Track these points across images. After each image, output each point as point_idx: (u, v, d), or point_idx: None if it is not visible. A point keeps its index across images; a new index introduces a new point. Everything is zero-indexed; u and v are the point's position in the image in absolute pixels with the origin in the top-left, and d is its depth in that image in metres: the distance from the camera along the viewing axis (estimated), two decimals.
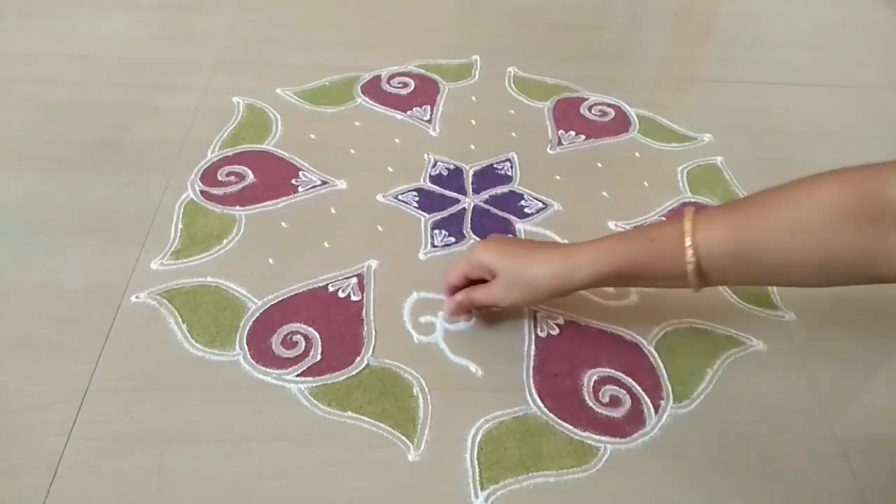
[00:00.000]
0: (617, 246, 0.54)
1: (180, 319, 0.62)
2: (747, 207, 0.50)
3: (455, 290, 0.62)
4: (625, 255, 0.53)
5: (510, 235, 0.72)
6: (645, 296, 0.67)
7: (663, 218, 0.76)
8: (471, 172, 0.80)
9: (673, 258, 0.51)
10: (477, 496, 0.52)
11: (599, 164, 0.82)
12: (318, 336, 0.61)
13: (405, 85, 0.93)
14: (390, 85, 0.93)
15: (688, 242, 0.50)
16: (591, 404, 0.58)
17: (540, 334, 0.63)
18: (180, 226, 0.70)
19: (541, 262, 0.56)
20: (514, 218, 0.74)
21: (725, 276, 0.54)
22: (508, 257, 0.57)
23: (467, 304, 0.61)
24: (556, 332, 0.63)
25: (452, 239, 0.71)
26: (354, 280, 0.67)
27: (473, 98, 0.92)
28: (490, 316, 0.64)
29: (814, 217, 0.46)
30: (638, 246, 0.53)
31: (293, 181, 0.77)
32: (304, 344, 0.61)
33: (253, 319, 0.62)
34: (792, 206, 0.47)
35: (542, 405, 0.58)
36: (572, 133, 0.87)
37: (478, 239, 0.71)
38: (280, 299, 0.64)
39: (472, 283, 0.61)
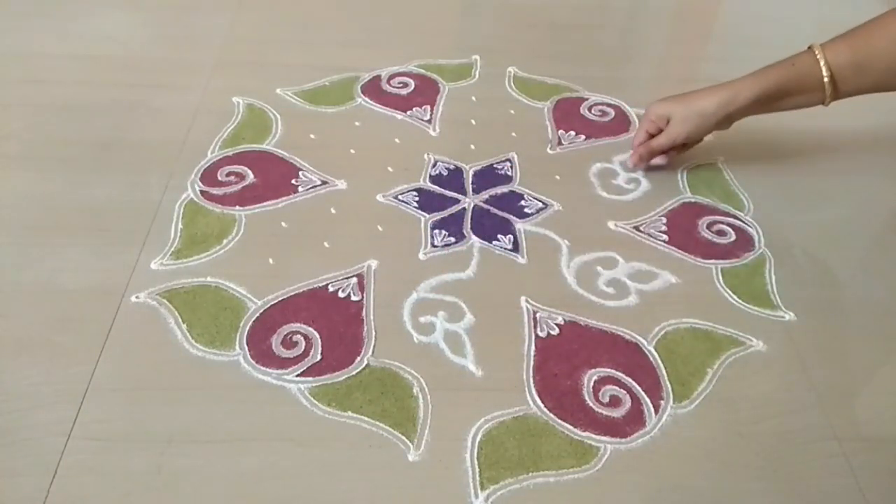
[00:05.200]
0: (766, 73, 0.71)
1: (180, 319, 0.62)
2: (858, 32, 0.68)
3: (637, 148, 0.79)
4: (774, 79, 0.70)
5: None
6: (645, 296, 0.67)
7: (663, 217, 0.76)
8: (471, 172, 0.80)
9: (812, 75, 0.69)
10: (477, 496, 0.52)
11: (599, 164, 0.82)
12: (318, 336, 0.61)
13: (405, 85, 0.93)
14: (390, 85, 0.93)
15: (822, 62, 0.68)
16: (591, 404, 0.58)
17: (540, 334, 0.63)
18: (180, 226, 0.70)
19: (707, 96, 0.73)
20: (514, 218, 0.74)
21: (850, 86, 0.69)
22: (678, 101, 0.75)
23: (647, 152, 0.78)
24: (556, 332, 0.63)
25: (452, 239, 0.71)
26: (354, 280, 0.67)
27: (473, 98, 0.92)
28: (491, 316, 0.64)
29: None
30: (783, 70, 0.70)
31: (293, 181, 0.77)
32: (304, 344, 0.61)
33: (253, 319, 0.62)
34: (893, 25, 0.66)
35: (542, 405, 0.58)
36: (572, 133, 0.87)
37: (479, 239, 0.71)
38: (280, 299, 0.64)
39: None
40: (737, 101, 0.71)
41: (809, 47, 0.70)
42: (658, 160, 0.80)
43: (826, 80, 0.68)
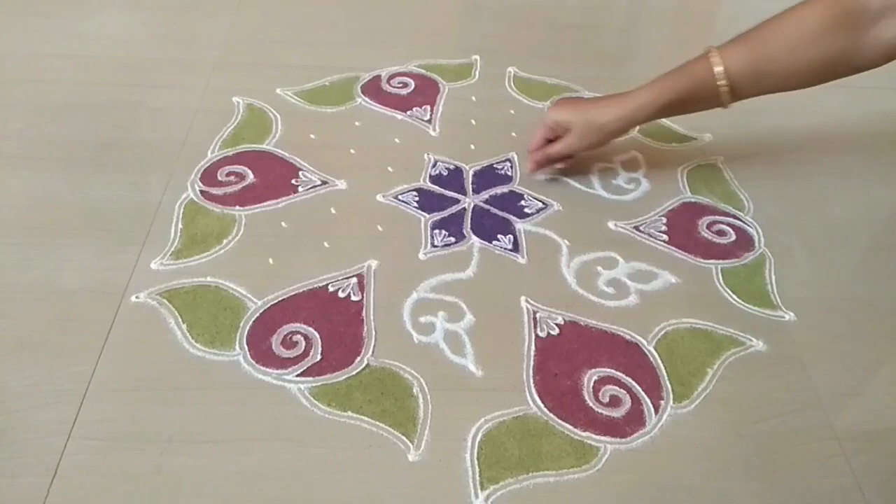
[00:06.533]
0: (664, 85, 0.69)
1: (180, 319, 0.62)
2: (756, 35, 0.66)
3: (533, 152, 0.77)
4: (673, 91, 0.69)
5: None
6: (645, 296, 0.67)
7: (663, 217, 0.76)
8: (471, 172, 0.80)
9: (709, 85, 0.67)
10: (477, 496, 0.52)
11: (599, 164, 0.82)
12: (318, 336, 0.61)
13: (405, 85, 0.93)
14: (390, 85, 0.93)
15: (718, 69, 0.66)
16: (591, 404, 0.58)
17: (540, 334, 0.63)
18: (180, 226, 0.71)
19: (607, 109, 0.71)
20: (514, 218, 0.74)
21: (749, 90, 0.68)
22: (578, 111, 0.72)
23: (544, 159, 0.76)
24: (556, 332, 0.63)
25: (452, 239, 0.71)
26: (354, 280, 0.67)
27: (473, 98, 0.92)
28: (491, 316, 0.64)
29: (806, 33, 0.63)
30: (682, 82, 0.68)
31: (293, 181, 0.77)
32: (304, 344, 0.61)
33: (253, 319, 0.62)
34: (790, 28, 0.64)
35: (542, 405, 0.58)
36: None
37: (479, 239, 0.71)
38: (280, 299, 0.64)
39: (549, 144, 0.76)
40: (636, 116, 0.70)
41: (706, 53, 0.68)
42: (557, 165, 0.79)
43: (723, 89, 0.67)
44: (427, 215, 0.74)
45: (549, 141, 0.75)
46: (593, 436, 0.56)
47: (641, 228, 0.75)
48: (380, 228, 0.72)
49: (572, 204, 0.77)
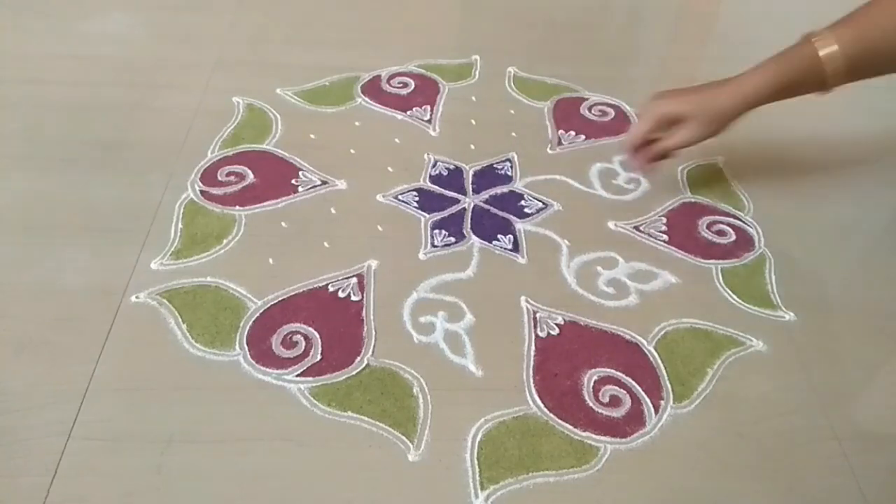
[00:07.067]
0: (772, 69, 0.67)
1: (180, 319, 0.62)
2: (864, 16, 0.63)
3: (635, 149, 0.74)
4: (783, 75, 0.66)
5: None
6: (645, 296, 0.67)
7: (663, 217, 0.76)
8: (471, 172, 0.80)
9: (816, 68, 0.64)
10: (477, 496, 0.52)
11: (599, 164, 0.82)
12: (318, 336, 0.61)
13: (405, 85, 0.93)
14: (390, 85, 0.93)
15: (830, 50, 0.63)
16: (591, 404, 0.58)
17: (540, 334, 0.63)
18: (180, 226, 0.71)
19: (723, 95, 0.68)
20: (514, 218, 0.74)
21: (857, 73, 0.65)
22: (692, 101, 0.69)
23: (659, 154, 0.73)
24: (556, 332, 0.63)
25: (452, 239, 0.71)
26: (354, 280, 0.67)
27: (473, 98, 0.92)
28: (491, 316, 0.64)
29: None
30: (790, 64, 0.66)
31: (293, 181, 0.77)
32: (304, 344, 0.61)
33: (253, 319, 0.62)
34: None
35: (542, 405, 0.58)
36: (572, 133, 0.87)
37: (479, 239, 0.71)
38: (280, 299, 0.64)
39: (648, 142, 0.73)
40: (751, 100, 0.67)
41: (808, 38, 0.65)
42: (665, 159, 0.74)
43: (834, 71, 0.64)
44: (427, 215, 0.74)
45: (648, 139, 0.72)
46: (593, 436, 0.56)
47: (641, 228, 0.75)
48: (380, 228, 0.72)
49: (572, 204, 0.77)
